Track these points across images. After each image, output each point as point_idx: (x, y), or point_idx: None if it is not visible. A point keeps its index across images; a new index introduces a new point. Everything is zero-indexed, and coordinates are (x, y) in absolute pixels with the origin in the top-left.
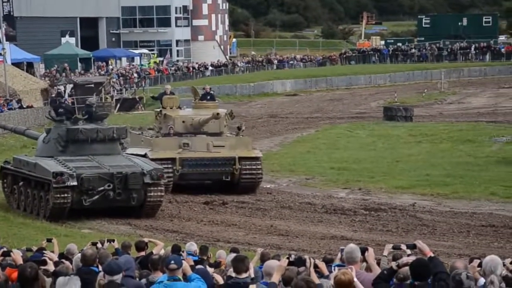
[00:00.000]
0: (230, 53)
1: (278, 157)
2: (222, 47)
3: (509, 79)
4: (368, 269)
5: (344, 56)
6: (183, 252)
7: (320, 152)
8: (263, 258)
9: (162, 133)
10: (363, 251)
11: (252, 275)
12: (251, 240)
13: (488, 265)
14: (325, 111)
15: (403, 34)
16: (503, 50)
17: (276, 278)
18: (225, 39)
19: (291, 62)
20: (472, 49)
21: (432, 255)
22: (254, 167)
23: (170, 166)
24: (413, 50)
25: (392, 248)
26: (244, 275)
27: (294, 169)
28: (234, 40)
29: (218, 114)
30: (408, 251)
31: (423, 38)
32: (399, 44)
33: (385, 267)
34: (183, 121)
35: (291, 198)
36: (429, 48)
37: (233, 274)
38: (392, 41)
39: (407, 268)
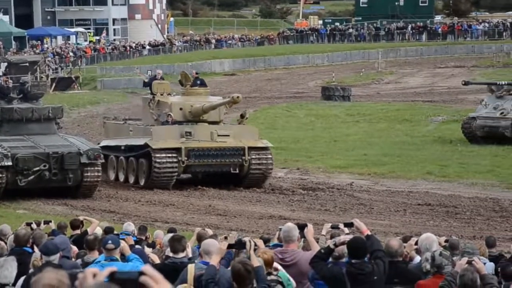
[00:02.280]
0: (168, 33)
1: None
2: (159, 26)
3: (445, 59)
4: (305, 248)
5: (282, 35)
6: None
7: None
8: (200, 238)
9: (160, 121)
10: (302, 227)
11: (190, 255)
12: (189, 220)
13: (423, 243)
14: (263, 91)
15: (340, 14)
16: (439, 30)
17: (215, 260)
18: (162, 18)
19: (229, 41)
20: (409, 29)
21: (369, 233)
22: (264, 157)
23: (175, 156)
24: (351, 30)
25: (331, 227)
26: (181, 255)
27: None
28: (171, 19)
29: (238, 97)
30: (346, 230)
31: (360, 18)
32: (337, 24)
33: (323, 246)
34: (181, 108)
35: None
36: (366, 28)
37: (171, 254)
38: (330, 20)
39: (343, 246)
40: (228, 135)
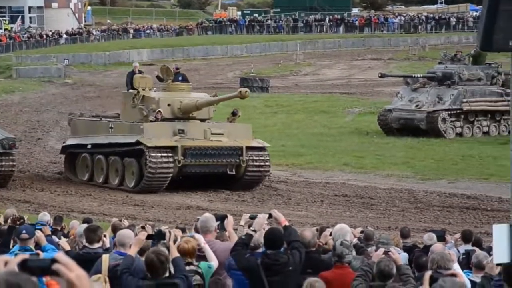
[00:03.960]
0: (85, 21)
1: None
2: (76, 15)
3: (362, 51)
4: (220, 238)
5: (201, 26)
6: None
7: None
8: (115, 229)
9: (149, 118)
10: (222, 218)
11: (107, 245)
12: (106, 211)
13: (337, 234)
14: None
15: (259, 5)
16: (356, 22)
17: (133, 251)
18: (79, 6)
19: (148, 31)
20: (327, 21)
21: (287, 224)
22: (262, 158)
23: (170, 155)
24: (269, 22)
25: (249, 218)
26: (96, 245)
27: None
28: (89, 8)
29: (246, 92)
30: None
31: (279, 10)
32: (256, 15)
33: (243, 234)
34: (169, 104)
35: None
36: (284, 19)
37: (87, 244)
38: (249, 12)
39: (258, 237)
40: (222, 134)
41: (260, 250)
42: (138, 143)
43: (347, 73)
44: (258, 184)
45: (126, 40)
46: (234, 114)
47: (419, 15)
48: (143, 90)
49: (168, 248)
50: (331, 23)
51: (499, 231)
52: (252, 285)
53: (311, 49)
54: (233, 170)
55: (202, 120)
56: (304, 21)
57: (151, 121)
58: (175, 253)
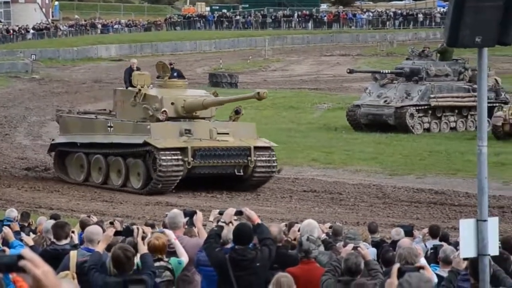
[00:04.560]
0: (53, 16)
1: None
2: (44, 9)
3: (330, 47)
4: (188, 234)
5: (170, 21)
6: None
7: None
8: (83, 225)
9: (156, 117)
10: (192, 214)
11: (76, 242)
12: (74, 207)
13: (305, 229)
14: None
15: (228, 0)
16: (325, 18)
17: (101, 247)
18: (47, 1)
19: (116, 26)
20: (295, 17)
21: (260, 222)
22: (269, 158)
23: (180, 157)
24: (238, 17)
25: (218, 214)
26: (64, 242)
27: None
28: (56, 3)
29: (265, 93)
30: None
31: (247, 5)
32: (224, 10)
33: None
34: (172, 103)
35: None
36: (253, 15)
37: (54, 241)
38: (217, 7)
39: (226, 232)
40: (228, 133)
41: (229, 245)
42: (146, 144)
43: (316, 68)
44: (263, 184)
45: (94, 35)
46: (237, 112)
47: (387, 11)
48: (142, 87)
49: (136, 244)
50: (300, 18)
51: (466, 226)
52: (220, 280)
53: (280, 45)
54: (241, 171)
55: (205, 119)
56: (273, 17)
57: (157, 121)
58: (143, 249)
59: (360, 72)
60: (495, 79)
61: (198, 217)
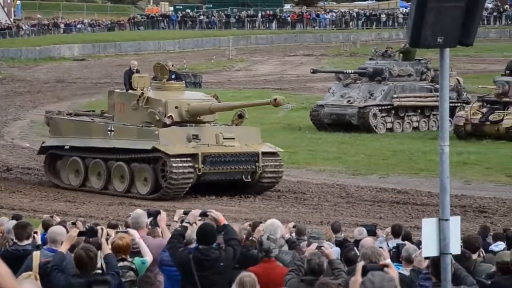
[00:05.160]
0: (15, 16)
1: None
2: (5, 9)
3: (294, 47)
4: (151, 234)
5: (133, 21)
6: None
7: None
8: (46, 226)
9: (162, 122)
10: (156, 214)
11: (39, 242)
12: (37, 207)
13: (268, 229)
14: (114, 77)
15: (191, 0)
16: (288, 18)
17: (64, 247)
18: (9, 1)
19: (79, 26)
20: (259, 17)
21: (226, 223)
22: (276, 164)
23: (191, 164)
24: (202, 17)
25: (183, 214)
26: (25, 242)
27: None
28: (18, 2)
29: (282, 99)
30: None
31: (211, 5)
32: (188, 10)
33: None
34: (176, 107)
35: None
36: (217, 15)
37: (16, 241)
38: (181, 7)
39: (190, 232)
40: (234, 138)
41: (193, 245)
42: (155, 150)
43: (280, 68)
44: (266, 191)
45: (56, 35)
46: (241, 116)
47: (350, 12)
48: (142, 90)
49: (100, 245)
50: (264, 19)
51: (428, 225)
52: (184, 280)
53: (244, 45)
54: (249, 177)
55: (209, 123)
56: (237, 17)
57: (163, 126)
58: (107, 250)
59: (323, 72)
60: (457, 79)
61: (162, 217)
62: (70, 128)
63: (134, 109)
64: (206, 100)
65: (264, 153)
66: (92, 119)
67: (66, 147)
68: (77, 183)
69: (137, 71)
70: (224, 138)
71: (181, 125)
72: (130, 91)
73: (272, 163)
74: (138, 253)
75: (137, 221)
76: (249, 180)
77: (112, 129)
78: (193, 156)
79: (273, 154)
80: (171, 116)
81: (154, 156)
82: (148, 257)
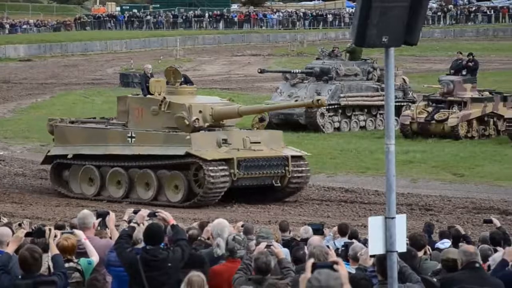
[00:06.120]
0: None
1: (12, 123)
2: None
3: (241, 47)
4: (98, 234)
5: (79, 21)
6: None
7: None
8: None
9: (192, 126)
10: (104, 215)
11: None
12: None
13: (215, 229)
14: (60, 77)
15: (138, 0)
16: (235, 18)
17: (10, 248)
18: None
19: (24, 26)
20: (206, 17)
21: (175, 223)
22: (304, 168)
23: (226, 169)
24: (149, 17)
25: (133, 213)
26: None
27: (29, 135)
28: None
29: (325, 100)
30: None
31: (158, 5)
32: (135, 10)
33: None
34: (200, 111)
35: (25, 165)
36: (164, 15)
37: None
38: (128, 7)
39: (137, 232)
40: (260, 142)
41: (141, 245)
42: (188, 155)
43: (227, 68)
44: (291, 195)
45: (2, 35)
46: (262, 120)
47: (297, 12)
48: (159, 94)
49: (48, 246)
50: (211, 19)
51: (374, 223)
52: (132, 280)
53: (191, 45)
54: (278, 182)
55: (231, 127)
56: (184, 17)
57: (193, 131)
58: (54, 250)
59: (271, 72)
60: (403, 78)
61: (111, 218)
62: (81, 136)
63: (154, 114)
64: (228, 103)
65: (292, 157)
66: (106, 126)
67: (70, 156)
68: (92, 192)
69: (152, 75)
70: (251, 142)
71: (208, 130)
72: (148, 95)
73: (300, 168)
74: (84, 253)
75: (84, 222)
76: (279, 185)
77: (133, 135)
78: (227, 161)
79: (300, 158)
80: (197, 119)
81: (186, 162)
82: (94, 258)
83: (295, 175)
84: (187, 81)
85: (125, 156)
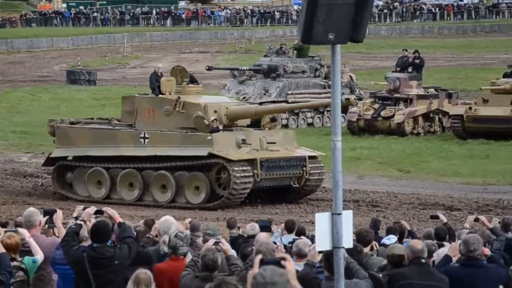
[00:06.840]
0: None
1: None
2: None
3: (189, 44)
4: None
5: (25, 18)
6: None
7: (1, 116)
8: None
9: (211, 127)
10: (51, 213)
11: None
12: None
13: (162, 226)
14: (5, 74)
15: None
16: (183, 15)
17: None
18: None
19: None
20: (154, 14)
21: (121, 221)
22: (320, 170)
23: (250, 169)
24: (96, 14)
25: (82, 210)
26: None
27: None
28: None
29: (354, 99)
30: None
31: (105, 2)
32: (81, 7)
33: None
34: (215, 111)
35: None
36: (111, 12)
37: None
38: (74, 4)
39: (82, 230)
40: (275, 143)
41: (87, 243)
42: (211, 156)
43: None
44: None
45: None
46: (273, 120)
47: (245, 9)
48: (169, 94)
49: None
50: (158, 15)
51: (321, 219)
52: (78, 278)
53: (139, 42)
54: (296, 182)
55: (243, 128)
56: (131, 14)
57: (211, 131)
58: (0, 249)
59: (218, 69)
60: (350, 75)
61: (58, 216)
62: (86, 137)
63: (167, 114)
64: (241, 103)
65: (309, 158)
66: (114, 126)
67: (69, 157)
68: (101, 195)
69: (161, 75)
70: (267, 143)
71: (225, 130)
72: (160, 95)
73: (317, 169)
74: (29, 252)
75: (30, 219)
76: (297, 185)
77: (146, 136)
78: (250, 162)
79: (315, 158)
80: (215, 120)
81: (207, 162)
82: (39, 256)
83: (312, 176)
84: (192, 80)
85: (137, 157)
